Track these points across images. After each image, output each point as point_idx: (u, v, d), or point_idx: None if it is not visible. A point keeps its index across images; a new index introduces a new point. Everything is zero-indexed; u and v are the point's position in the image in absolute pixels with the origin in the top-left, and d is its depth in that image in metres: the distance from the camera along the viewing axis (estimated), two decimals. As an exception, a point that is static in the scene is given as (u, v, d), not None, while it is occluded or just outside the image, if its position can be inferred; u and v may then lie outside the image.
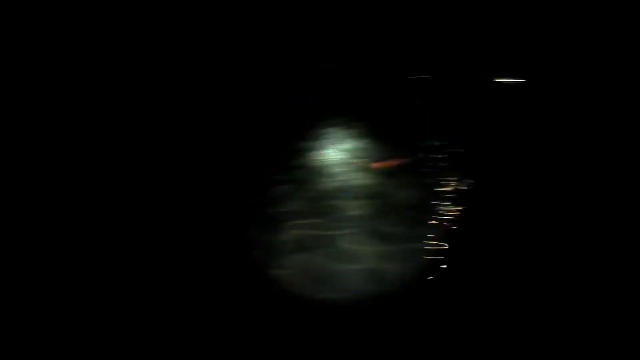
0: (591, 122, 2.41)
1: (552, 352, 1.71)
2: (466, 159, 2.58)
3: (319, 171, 2.77)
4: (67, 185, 2.32)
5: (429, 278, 2.04)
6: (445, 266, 2.08)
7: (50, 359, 1.78)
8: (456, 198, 2.42)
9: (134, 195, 2.40)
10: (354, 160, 2.85)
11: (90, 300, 1.96)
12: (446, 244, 2.19)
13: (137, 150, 2.56)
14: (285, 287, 2.06)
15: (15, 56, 2.42)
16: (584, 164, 2.32)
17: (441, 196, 2.47)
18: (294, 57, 3.01)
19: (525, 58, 2.68)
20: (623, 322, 1.72)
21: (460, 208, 2.36)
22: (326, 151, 2.94)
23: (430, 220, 2.31)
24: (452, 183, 2.52)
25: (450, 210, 2.36)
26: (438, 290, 1.98)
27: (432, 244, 2.20)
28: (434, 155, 2.69)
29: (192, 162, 2.64)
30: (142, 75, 2.74)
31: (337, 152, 2.94)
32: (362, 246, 2.18)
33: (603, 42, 2.47)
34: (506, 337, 1.75)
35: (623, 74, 2.40)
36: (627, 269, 1.91)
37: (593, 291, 1.84)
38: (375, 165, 2.45)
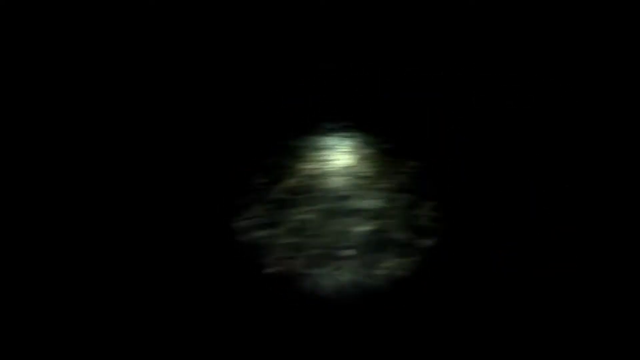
0: (591, 122, 2.40)
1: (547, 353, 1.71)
2: (465, 158, 2.58)
3: (317, 170, 2.77)
4: (62, 182, 2.32)
5: (422, 275, 2.03)
6: (440, 264, 2.08)
7: (49, 358, 1.78)
8: (454, 197, 2.42)
9: (132, 192, 2.40)
10: (353, 159, 2.85)
11: (88, 298, 1.95)
12: (443, 243, 2.18)
13: (136, 149, 2.56)
14: (280, 283, 2.06)
15: (15, 56, 2.42)
16: (583, 163, 2.31)
17: (437, 194, 2.46)
18: (294, 57, 3.01)
19: (524, 58, 2.68)
20: (622, 322, 1.72)
21: (457, 207, 2.36)
22: (325, 150, 2.94)
23: (425, 219, 2.30)
24: (450, 182, 2.51)
25: (446, 209, 2.36)
26: (430, 287, 1.98)
27: (428, 242, 2.20)
28: (432, 154, 2.68)
29: (191, 161, 2.64)
30: (142, 75, 2.75)
31: (335, 151, 2.93)
32: (358, 242, 2.17)
33: (603, 42, 2.47)
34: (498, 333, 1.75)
35: (623, 74, 2.39)
36: (626, 269, 1.90)
37: (592, 290, 1.84)
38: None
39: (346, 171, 2.79)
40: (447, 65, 2.83)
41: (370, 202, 2.22)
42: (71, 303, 1.94)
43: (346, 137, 3.04)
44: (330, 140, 3.02)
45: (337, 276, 2.12)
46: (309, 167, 2.82)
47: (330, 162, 2.86)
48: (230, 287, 2.02)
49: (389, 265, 2.14)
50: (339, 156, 2.91)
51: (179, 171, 2.57)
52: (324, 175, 2.74)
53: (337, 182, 2.70)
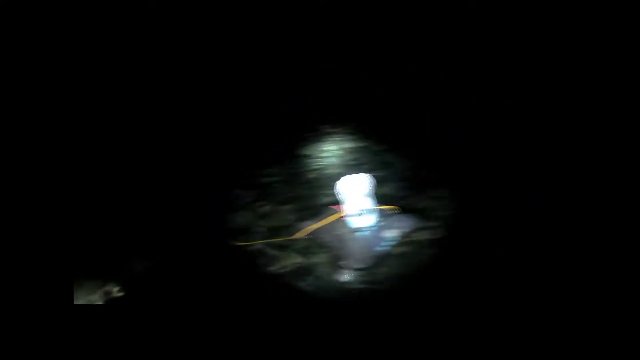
0: (591, 122, 2.40)
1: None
2: (465, 158, 2.58)
3: (316, 170, 2.77)
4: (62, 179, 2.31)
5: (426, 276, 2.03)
6: (440, 264, 2.08)
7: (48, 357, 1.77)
8: (453, 197, 2.42)
9: (130, 192, 2.40)
10: (353, 160, 2.85)
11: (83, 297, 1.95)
12: (443, 243, 2.18)
13: (133, 150, 2.56)
14: (280, 284, 2.06)
15: (15, 56, 2.42)
16: (583, 163, 2.31)
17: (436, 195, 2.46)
18: (294, 57, 3.01)
19: (524, 58, 2.68)
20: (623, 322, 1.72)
21: (457, 207, 2.36)
22: (325, 150, 2.94)
23: (424, 220, 2.30)
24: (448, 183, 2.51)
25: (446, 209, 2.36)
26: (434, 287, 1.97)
27: (428, 242, 2.20)
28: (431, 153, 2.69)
29: (191, 161, 2.64)
30: (141, 75, 2.75)
31: (336, 152, 2.94)
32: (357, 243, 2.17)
33: (603, 42, 2.47)
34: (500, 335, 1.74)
35: (623, 74, 2.39)
36: (627, 269, 1.90)
37: (592, 290, 1.83)
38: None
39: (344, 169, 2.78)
40: (447, 65, 2.83)
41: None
42: (66, 302, 1.94)
43: (345, 138, 3.04)
44: (330, 142, 3.02)
45: (338, 277, 2.12)
46: (307, 165, 2.82)
47: (330, 164, 2.86)
48: (229, 288, 2.02)
49: (389, 266, 2.14)
50: (339, 158, 2.91)
51: (178, 172, 2.57)
52: (322, 173, 2.75)
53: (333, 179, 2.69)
